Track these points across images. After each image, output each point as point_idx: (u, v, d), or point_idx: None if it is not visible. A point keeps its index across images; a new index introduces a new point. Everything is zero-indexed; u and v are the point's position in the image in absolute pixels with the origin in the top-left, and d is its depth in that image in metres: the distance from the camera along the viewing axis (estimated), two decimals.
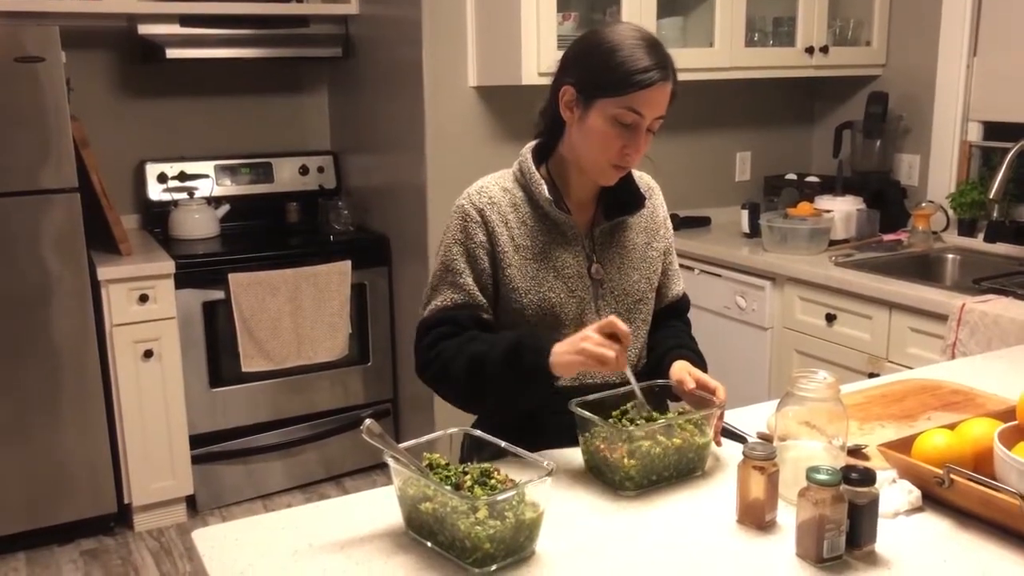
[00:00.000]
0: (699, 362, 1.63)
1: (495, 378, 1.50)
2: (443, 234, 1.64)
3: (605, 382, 1.61)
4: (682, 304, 1.81)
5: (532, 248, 1.61)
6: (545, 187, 1.60)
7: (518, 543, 1.18)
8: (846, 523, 1.16)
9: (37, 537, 3.06)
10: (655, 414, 1.48)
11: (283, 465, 3.49)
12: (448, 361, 1.54)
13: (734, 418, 1.60)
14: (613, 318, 1.42)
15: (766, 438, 1.48)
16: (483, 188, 1.63)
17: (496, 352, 1.50)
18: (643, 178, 1.75)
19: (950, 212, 3.23)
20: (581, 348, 1.41)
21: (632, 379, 1.49)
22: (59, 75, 2.86)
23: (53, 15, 3.08)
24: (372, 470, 3.59)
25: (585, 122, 1.54)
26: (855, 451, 1.46)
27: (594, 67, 1.52)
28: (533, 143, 1.66)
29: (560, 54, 1.61)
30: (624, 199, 1.66)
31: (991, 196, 2.78)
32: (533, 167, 1.62)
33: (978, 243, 3.11)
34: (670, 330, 1.75)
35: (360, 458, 3.58)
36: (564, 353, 1.44)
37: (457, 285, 1.59)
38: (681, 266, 1.87)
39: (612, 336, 1.41)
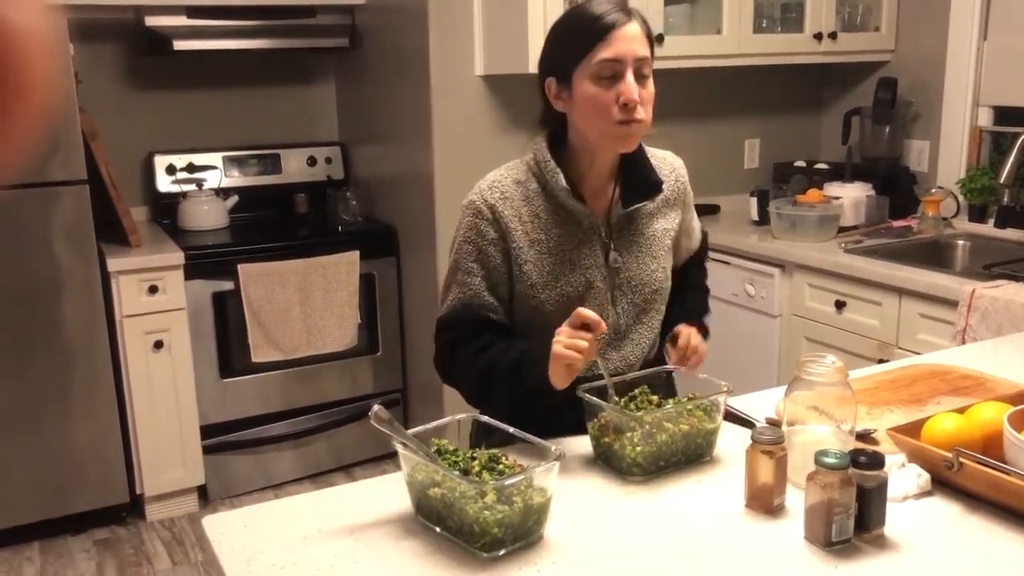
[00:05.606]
0: (697, 307, 1.76)
1: (504, 391, 1.53)
2: (455, 231, 1.63)
3: (615, 371, 1.61)
4: (702, 250, 1.87)
5: (547, 242, 1.59)
6: (561, 176, 1.57)
7: (527, 528, 1.18)
8: (855, 507, 1.16)
9: (51, 527, 3.08)
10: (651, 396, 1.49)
11: (294, 455, 3.50)
12: (460, 371, 1.60)
13: (743, 404, 1.60)
14: (580, 309, 1.40)
15: (775, 423, 1.48)
16: (495, 183, 1.61)
17: (503, 366, 1.52)
18: (667, 159, 1.73)
19: (960, 198, 3.21)
20: (554, 354, 1.39)
21: (603, 368, 1.50)
22: (67, 67, 2.86)
23: (60, 7, 3.08)
24: (382, 459, 3.59)
25: (574, 100, 1.53)
26: (864, 435, 1.46)
27: (558, 45, 1.56)
28: (545, 133, 1.64)
29: None
30: (640, 186, 1.64)
31: (1001, 181, 2.77)
32: (549, 156, 1.59)
33: (988, 229, 3.09)
34: (678, 294, 1.75)
35: (370, 448, 3.59)
36: (551, 369, 1.42)
37: (465, 284, 1.59)
38: None
39: (584, 326, 1.38)
